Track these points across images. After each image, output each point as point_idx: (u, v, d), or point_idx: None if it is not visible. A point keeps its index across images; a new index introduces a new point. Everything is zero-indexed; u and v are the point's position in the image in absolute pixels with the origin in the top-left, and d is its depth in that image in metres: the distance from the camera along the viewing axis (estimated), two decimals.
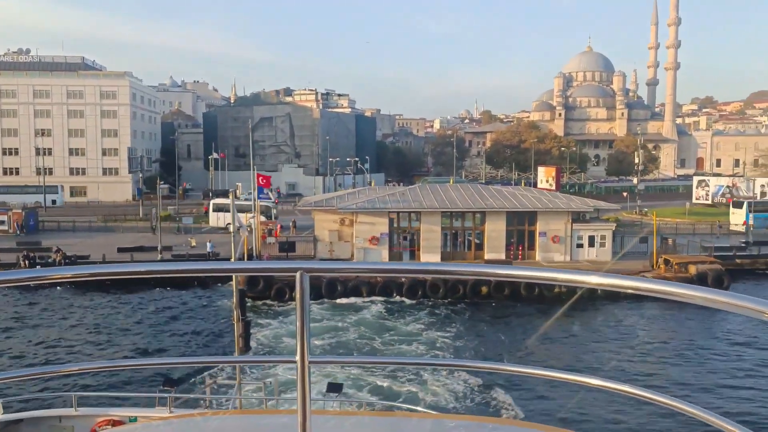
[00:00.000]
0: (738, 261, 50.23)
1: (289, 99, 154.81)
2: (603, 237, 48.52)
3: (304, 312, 2.10)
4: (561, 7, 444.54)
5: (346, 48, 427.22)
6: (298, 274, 2.07)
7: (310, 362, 2.14)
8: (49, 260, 46.80)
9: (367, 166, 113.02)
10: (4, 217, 61.49)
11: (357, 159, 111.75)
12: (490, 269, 2.13)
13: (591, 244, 48.32)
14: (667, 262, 45.22)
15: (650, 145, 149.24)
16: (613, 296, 39.49)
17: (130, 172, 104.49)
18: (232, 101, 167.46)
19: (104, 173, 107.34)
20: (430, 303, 41.36)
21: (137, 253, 50.19)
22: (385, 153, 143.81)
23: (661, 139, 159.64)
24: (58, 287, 42.80)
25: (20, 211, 63.66)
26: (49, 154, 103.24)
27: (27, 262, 45.78)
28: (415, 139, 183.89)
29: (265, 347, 32.30)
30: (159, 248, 49.63)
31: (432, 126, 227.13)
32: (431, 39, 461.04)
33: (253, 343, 31.84)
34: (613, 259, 46.39)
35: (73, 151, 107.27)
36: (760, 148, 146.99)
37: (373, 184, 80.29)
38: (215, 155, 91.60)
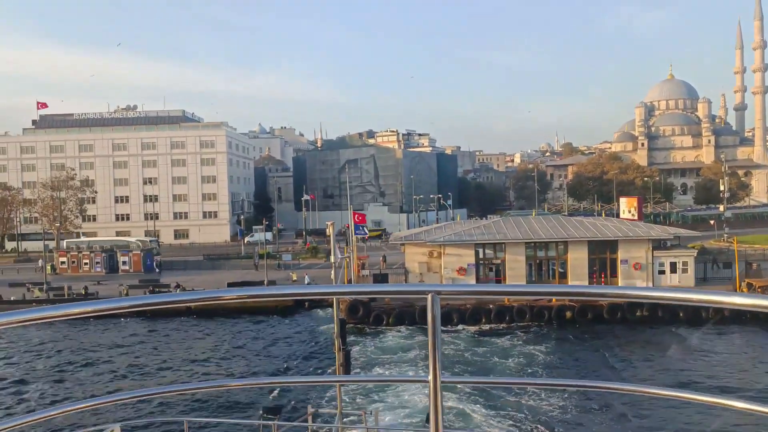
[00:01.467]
0: None
1: (372, 141, 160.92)
2: (685, 263, 49.84)
3: (435, 333, 2.10)
4: (639, 37, 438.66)
5: (425, 87, 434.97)
6: (429, 297, 2.09)
7: (442, 382, 2.15)
8: None
9: (449, 202, 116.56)
10: (126, 258, 68.62)
11: (440, 195, 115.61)
12: (633, 291, 2.13)
13: (673, 270, 49.71)
14: (750, 285, 46.14)
15: (741, 172, 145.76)
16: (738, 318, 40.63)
17: (233, 215, 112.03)
18: (318, 145, 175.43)
19: (204, 216, 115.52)
20: (521, 328, 43.46)
21: (245, 287, 55.15)
22: (467, 189, 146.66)
23: (752, 165, 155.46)
24: (183, 317, 48.00)
25: (139, 252, 70.71)
26: (156, 200, 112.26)
27: None
28: (496, 174, 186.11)
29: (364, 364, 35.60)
30: (265, 282, 54.55)
31: (512, 160, 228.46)
32: (508, 74, 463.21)
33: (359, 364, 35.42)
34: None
35: (176, 197, 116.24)
36: None
37: (458, 218, 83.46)
38: (306, 197, 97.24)
